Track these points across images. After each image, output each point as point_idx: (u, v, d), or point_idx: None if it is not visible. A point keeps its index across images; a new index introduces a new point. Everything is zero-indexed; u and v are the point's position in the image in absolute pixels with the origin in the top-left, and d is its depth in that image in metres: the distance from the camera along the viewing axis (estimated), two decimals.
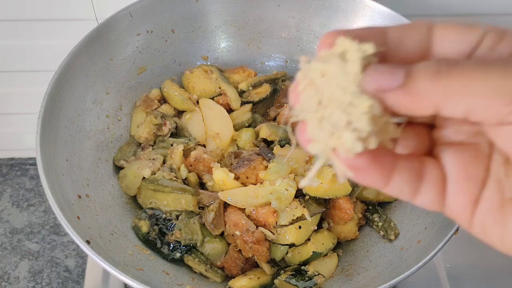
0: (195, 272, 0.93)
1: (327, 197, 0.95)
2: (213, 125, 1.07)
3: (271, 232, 0.93)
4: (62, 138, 0.92)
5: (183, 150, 1.02)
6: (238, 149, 1.06)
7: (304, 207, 0.93)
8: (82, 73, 0.99)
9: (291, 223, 0.92)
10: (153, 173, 0.99)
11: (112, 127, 1.06)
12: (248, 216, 0.94)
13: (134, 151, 1.04)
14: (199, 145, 1.06)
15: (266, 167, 0.97)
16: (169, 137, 1.05)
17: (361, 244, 1.00)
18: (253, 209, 0.94)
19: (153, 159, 1.01)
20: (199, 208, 0.97)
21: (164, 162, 1.02)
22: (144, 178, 0.99)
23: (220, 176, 0.95)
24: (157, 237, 0.93)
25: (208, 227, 0.94)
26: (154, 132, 1.05)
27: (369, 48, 0.36)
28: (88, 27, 1.01)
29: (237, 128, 1.09)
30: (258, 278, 0.92)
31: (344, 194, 0.95)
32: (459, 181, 0.40)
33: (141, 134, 1.06)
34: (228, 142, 1.06)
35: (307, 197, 0.95)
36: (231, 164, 0.98)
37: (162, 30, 1.12)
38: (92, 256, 0.76)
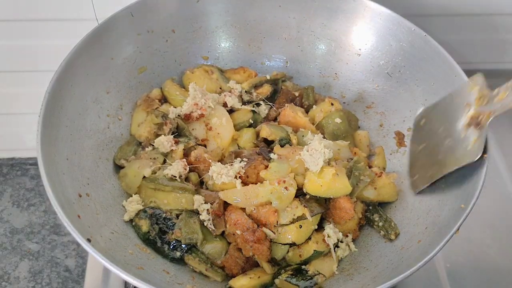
0: (196, 271, 0.93)
1: (327, 197, 0.95)
2: (214, 125, 1.07)
3: (272, 231, 0.93)
4: (63, 137, 0.92)
5: (183, 149, 1.02)
6: (239, 148, 1.06)
7: (305, 206, 0.93)
8: (83, 72, 0.99)
9: (292, 223, 0.92)
10: (154, 172, 0.99)
11: (112, 126, 1.06)
12: (249, 215, 0.94)
13: (134, 150, 1.04)
14: (199, 144, 1.06)
15: (267, 166, 0.97)
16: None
17: (361, 244, 1.00)
18: (254, 208, 0.93)
19: (153, 159, 1.01)
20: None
21: (164, 161, 1.02)
22: (144, 177, 0.99)
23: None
24: (157, 236, 0.93)
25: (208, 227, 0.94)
26: (154, 131, 1.05)
27: None
28: (88, 27, 1.02)
29: (238, 128, 1.09)
30: (259, 277, 0.92)
31: (344, 194, 0.95)
32: None
33: (141, 133, 1.06)
34: (229, 141, 1.06)
35: (307, 196, 0.95)
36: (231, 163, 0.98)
37: (162, 30, 1.12)
38: (93, 254, 0.76)
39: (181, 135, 1.06)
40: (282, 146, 1.02)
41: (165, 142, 1.01)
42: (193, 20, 1.15)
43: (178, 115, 1.07)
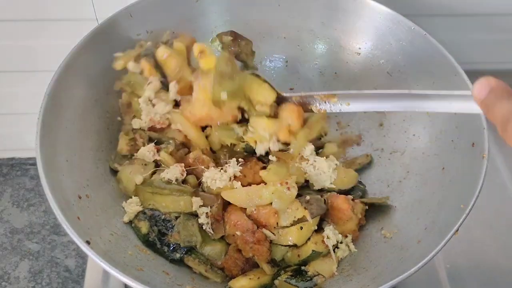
0: (195, 272, 0.93)
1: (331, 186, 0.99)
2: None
3: (272, 232, 0.93)
4: (62, 138, 0.92)
5: (170, 153, 1.00)
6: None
7: (305, 208, 0.93)
8: (83, 73, 0.99)
9: (292, 225, 0.92)
10: (146, 179, 0.98)
11: (112, 128, 1.06)
12: (249, 216, 0.94)
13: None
14: (184, 144, 1.04)
15: (264, 167, 0.97)
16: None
17: (361, 244, 1.00)
18: (254, 209, 0.93)
19: (145, 164, 0.99)
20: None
21: (157, 165, 1.00)
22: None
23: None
24: (157, 238, 0.93)
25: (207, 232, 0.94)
26: (132, 145, 1.03)
27: None
28: (88, 27, 1.02)
29: None
30: (258, 278, 0.92)
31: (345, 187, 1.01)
32: None
33: (122, 147, 1.03)
34: (196, 137, 1.03)
35: (307, 197, 0.95)
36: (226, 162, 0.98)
37: (162, 30, 1.12)
38: (92, 257, 0.76)
39: (161, 142, 1.03)
40: (247, 152, 1.01)
41: (146, 152, 1.00)
42: (192, 20, 1.15)
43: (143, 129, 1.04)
